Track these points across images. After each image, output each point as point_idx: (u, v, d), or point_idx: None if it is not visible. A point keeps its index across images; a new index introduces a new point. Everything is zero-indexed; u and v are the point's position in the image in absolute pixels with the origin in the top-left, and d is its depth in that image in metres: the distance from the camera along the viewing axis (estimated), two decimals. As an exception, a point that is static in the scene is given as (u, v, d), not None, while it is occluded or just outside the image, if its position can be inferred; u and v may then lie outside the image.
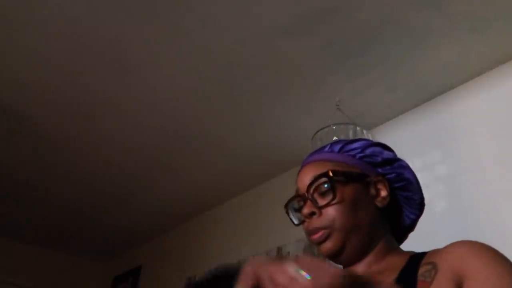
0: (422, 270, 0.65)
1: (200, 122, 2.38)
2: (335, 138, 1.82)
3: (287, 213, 0.86)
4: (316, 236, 0.76)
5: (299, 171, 0.86)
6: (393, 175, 0.81)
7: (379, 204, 0.78)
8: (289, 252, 2.33)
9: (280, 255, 2.39)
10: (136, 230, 3.64)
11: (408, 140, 2.02)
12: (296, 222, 0.84)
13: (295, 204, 0.84)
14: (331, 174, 0.78)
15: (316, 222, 0.76)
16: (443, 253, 0.65)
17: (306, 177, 0.81)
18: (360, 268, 0.75)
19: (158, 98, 2.23)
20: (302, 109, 2.20)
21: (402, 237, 0.85)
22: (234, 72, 2.03)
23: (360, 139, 0.86)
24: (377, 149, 0.83)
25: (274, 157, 2.60)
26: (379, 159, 0.82)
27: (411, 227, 0.84)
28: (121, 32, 1.86)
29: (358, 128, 1.85)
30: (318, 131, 1.90)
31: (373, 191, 0.78)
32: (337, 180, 0.77)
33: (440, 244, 0.68)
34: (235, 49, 1.91)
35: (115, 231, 3.70)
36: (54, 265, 3.98)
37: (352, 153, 0.82)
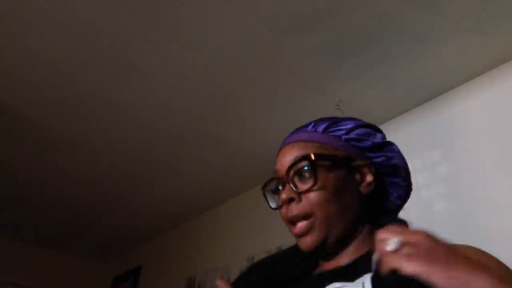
0: None
1: (199, 122, 2.38)
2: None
3: (264, 195, 0.80)
4: (297, 229, 0.71)
5: (279, 150, 0.80)
6: (381, 159, 0.75)
7: (363, 190, 0.73)
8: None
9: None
10: (136, 230, 3.64)
11: (408, 140, 2.02)
12: (273, 206, 0.78)
13: (273, 186, 0.79)
14: (313, 157, 0.71)
15: (295, 209, 0.70)
16: None
17: (286, 159, 0.75)
18: (343, 259, 0.70)
19: (159, 98, 2.23)
20: (302, 109, 2.20)
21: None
22: (233, 72, 2.03)
23: (347, 118, 0.80)
24: (366, 130, 0.77)
25: (274, 157, 2.60)
26: (367, 143, 0.75)
27: (396, 212, 0.79)
28: (122, 32, 1.86)
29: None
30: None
31: (358, 176, 0.73)
32: (319, 165, 0.71)
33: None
34: (235, 49, 1.91)
35: (115, 231, 3.70)
36: (54, 265, 3.98)
37: (338, 133, 0.76)
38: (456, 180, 1.83)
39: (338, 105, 2.00)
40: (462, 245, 0.63)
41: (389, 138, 0.81)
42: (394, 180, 0.77)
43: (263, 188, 0.80)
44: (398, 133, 2.10)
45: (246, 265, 3.10)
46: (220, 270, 2.78)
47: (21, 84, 2.19)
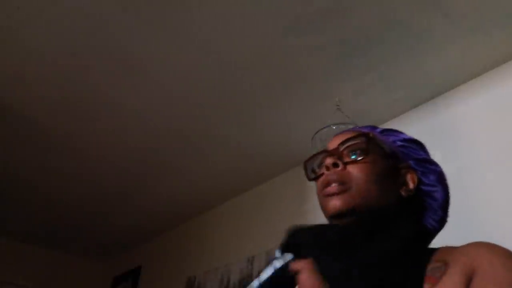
0: (431, 265, 0.61)
1: (199, 122, 2.38)
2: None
3: (305, 168, 0.77)
4: (330, 188, 0.69)
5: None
6: (424, 176, 0.75)
7: (403, 193, 0.72)
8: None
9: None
10: (136, 230, 3.65)
11: (408, 140, 2.02)
12: (311, 176, 0.76)
13: (317, 162, 0.76)
14: (371, 135, 0.73)
15: (335, 174, 0.69)
16: (457, 253, 0.60)
17: (340, 138, 0.75)
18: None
19: (159, 98, 2.23)
20: (302, 109, 2.20)
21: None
22: (233, 72, 2.03)
23: (404, 133, 0.81)
24: (418, 145, 0.79)
25: (274, 157, 2.60)
26: (418, 154, 0.77)
27: (429, 234, 0.76)
28: (124, 32, 1.86)
29: (358, 128, 1.85)
30: (318, 131, 1.90)
31: (401, 179, 0.73)
32: (372, 148, 0.71)
33: (440, 244, 0.68)
34: (236, 49, 1.91)
35: (115, 231, 3.70)
36: (54, 265, 3.98)
37: (393, 138, 0.78)
38: (456, 180, 1.83)
39: (338, 105, 2.00)
40: (486, 243, 0.61)
41: (389, 137, 0.82)
42: (430, 201, 0.75)
43: (306, 161, 0.78)
44: (398, 133, 2.10)
45: (246, 265, 3.08)
46: (220, 270, 2.78)
47: (21, 84, 2.19)
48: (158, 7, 1.74)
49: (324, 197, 0.70)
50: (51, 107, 2.33)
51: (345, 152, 0.72)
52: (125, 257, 4.02)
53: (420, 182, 0.75)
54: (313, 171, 0.76)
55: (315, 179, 0.75)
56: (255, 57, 1.94)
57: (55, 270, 3.95)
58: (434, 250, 0.65)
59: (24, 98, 2.28)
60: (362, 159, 0.70)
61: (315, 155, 0.77)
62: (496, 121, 1.82)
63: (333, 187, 0.69)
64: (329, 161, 0.71)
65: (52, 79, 2.14)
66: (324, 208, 0.71)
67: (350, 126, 1.82)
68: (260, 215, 2.78)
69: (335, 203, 0.68)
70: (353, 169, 0.70)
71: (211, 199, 3.14)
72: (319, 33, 1.80)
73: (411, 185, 0.73)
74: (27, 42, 1.95)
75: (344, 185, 0.68)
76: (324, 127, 1.89)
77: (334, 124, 1.87)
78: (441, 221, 0.77)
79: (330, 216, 0.69)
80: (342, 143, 0.73)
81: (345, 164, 0.71)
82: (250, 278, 2.52)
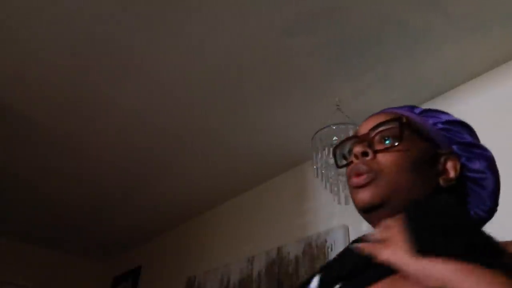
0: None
1: (199, 122, 2.38)
2: (335, 138, 1.82)
3: (334, 154, 0.73)
4: (357, 178, 0.63)
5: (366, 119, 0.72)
6: (469, 161, 0.69)
7: (442, 183, 0.65)
8: (289, 252, 2.33)
9: (281, 255, 2.39)
10: (136, 230, 3.64)
11: (408, 140, 2.02)
12: (340, 163, 0.71)
13: (347, 148, 0.71)
14: (405, 120, 0.65)
15: (365, 163, 0.64)
16: None
17: (372, 122, 0.68)
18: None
19: (159, 98, 2.23)
20: (302, 109, 2.20)
21: None
22: (233, 72, 2.03)
23: (448, 113, 0.74)
24: (463, 127, 0.71)
25: (274, 157, 2.60)
26: (463, 138, 0.70)
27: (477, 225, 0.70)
28: (123, 31, 1.86)
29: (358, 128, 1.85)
30: (318, 131, 1.90)
31: (440, 167, 0.66)
32: (407, 133, 0.65)
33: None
34: (235, 49, 1.91)
35: (115, 231, 3.70)
36: (54, 265, 3.98)
37: (434, 120, 0.71)
38: (456, 180, 1.83)
39: (338, 105, 2.00)
40: None
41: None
42: (477, 189, 0.69)
43: (336, 147, 0.73)
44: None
45: (246, 265, 3.09)
46: (220, 270, 2.78)
47: (21, 84, 2.19)
48: (157, 7, 1.74)
49: (352, 188, 0.66)
50: (51, 107, 2.33)
51: (376, 138, 0.66)
52: (125, 257, 4.02)
53: (465, 169, 0.68)
54: (344, 157, 0.72)
55: (345, 166, 0.69)
56: (255, 57, 1.94)
57: (55, 270, 3.95)
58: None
59: (24, 98, 2.28)
60: (394, 146, 0.64)
61: (345, 140, 0.72)
62: (496, 121, 1.82)
63: (361, 178, 0.63)
64: (358, 149, 0.65)
65: (52, 79, 2.14)
66: (353, 201, 0.66)
67: (350, 126, 1.83)
68: (260, 215, 2.78)
69: (362, 196, 0.63)
70: (384, 158, 0.64)
71: (211, 199, 3.13)
72: (318, 33, 1.80)
73: (452, 174, 0.66)
74: (27, 42, 1.95)
75: (373, 175, 0.63)
76: (324, 127, 1.89)
77: (334, 124, 1.87)
78: (491, 212, 0.71)
79: (359, 210, 0.65)
80: (373, 128, 0.67)
81: (376, 152, 0.65)
82: (250, 278, 2.52)
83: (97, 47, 1.95)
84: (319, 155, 1.86)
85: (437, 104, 2.07)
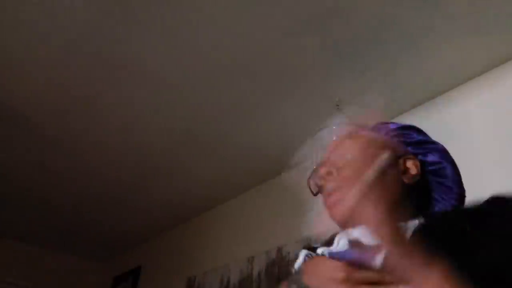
0: None
1: (199, 123, 2.38)
2: (335, 138, 1.82)
3: (308, 185, 0.79)
4: (329, 199, 0.69)
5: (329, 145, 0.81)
6: (425, 156, 0.75)
7: (406, 180, 0.71)
8: (289, 252, 2.33)
9: (281, 255, 2.39)
10: (135, 230, 3.64)
11: (408, 140, 2.02)
12: (315, 191, 0.77)
13: (317, 176, 0.77)
14: (355, 135, 0.76)
15: (331, 183, 0.70)
16: None
17: (330, 147, 0.79)
18: None
19: (159, 99, 2.23)
20: (302, 109, 2.20)
21: None
22: (234, 73, 2.03)
23: (395, 122, 0.82)
24: (414, 130, 0.79)
25: (274, 157, 2.60)
26: (414, 138, 0.77)
27: None
28: (124, 32, 1.86)
29: (358, 128, 1.85)
30: (318, 132, 1.90)
31: (401, 168, 0.72)
32: (362, 145, 0.73)
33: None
34: (236, 50, 1.91)
35: (115, 231, 3.70)
36: (54, 265, 3.98)
37: (384, 130, 0.78)
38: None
39: (338, 105, 2.00)
40: None
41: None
42: (439, 179, 0.75)
43: (309, 178, 0.81)
44: (398, 133, 2.09)
45: (246, 265, 3.08)
46: (220, 270, 2.78)
47: (21, 85, 2.19)
48: (159, 7, 1.74)
49: (328, 209, 0.70)
50: (50, 107, 2.33)
51: (337, 158, 0.73)
52: (125, 257, 4.02)
53: (424, 164, 0.74)
54: (317, 185, 0.76)
55: (318, 193, 0.75)
56: (255, 57, 1.94)
57: (55, 270, 3.95)
58: None
59: (24, 98, 2.28)
60: (353, 160, 0.69)
61: (313, 170, 0.78)
62: (495, 121, 1.82)
63: (332, 197, 0.68)
64: (323, 170, 0.72)
65: (51, 79, 2.14)
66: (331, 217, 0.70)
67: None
68: (260, 215, 2.78)
69: (334, 214, 0.67)
70: (347, 173, 0.69)
71: (211, 199, 3.13)
72: (319, 34, 1.80)
73: (414, 170, 0.72)
74: (27, 42, 1.95)
75: (341, 191, 0.67)
76: (324, 127, 1.89)
77: (334, 124, 1.87)
78: (461, 198, 0.76)
79: (339, 224, 0.68)
80: (333, 150, 0.75)
81: (339, 169, 0.70)
82: (250, 278, 2.52)
83: (99, 47, 1.95)
84: (319, 155, 1.86)
85: (437, 104, 2.07)
